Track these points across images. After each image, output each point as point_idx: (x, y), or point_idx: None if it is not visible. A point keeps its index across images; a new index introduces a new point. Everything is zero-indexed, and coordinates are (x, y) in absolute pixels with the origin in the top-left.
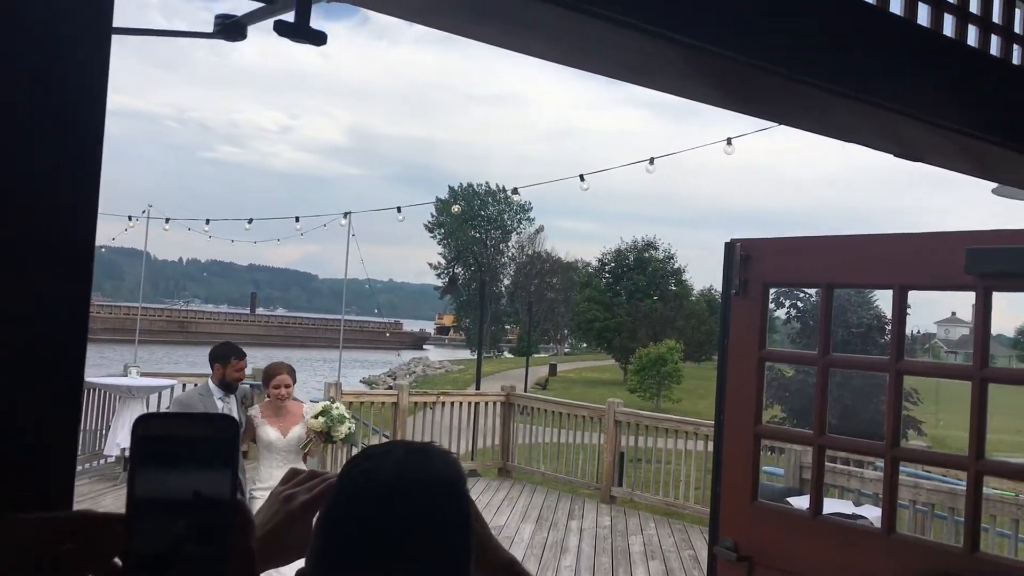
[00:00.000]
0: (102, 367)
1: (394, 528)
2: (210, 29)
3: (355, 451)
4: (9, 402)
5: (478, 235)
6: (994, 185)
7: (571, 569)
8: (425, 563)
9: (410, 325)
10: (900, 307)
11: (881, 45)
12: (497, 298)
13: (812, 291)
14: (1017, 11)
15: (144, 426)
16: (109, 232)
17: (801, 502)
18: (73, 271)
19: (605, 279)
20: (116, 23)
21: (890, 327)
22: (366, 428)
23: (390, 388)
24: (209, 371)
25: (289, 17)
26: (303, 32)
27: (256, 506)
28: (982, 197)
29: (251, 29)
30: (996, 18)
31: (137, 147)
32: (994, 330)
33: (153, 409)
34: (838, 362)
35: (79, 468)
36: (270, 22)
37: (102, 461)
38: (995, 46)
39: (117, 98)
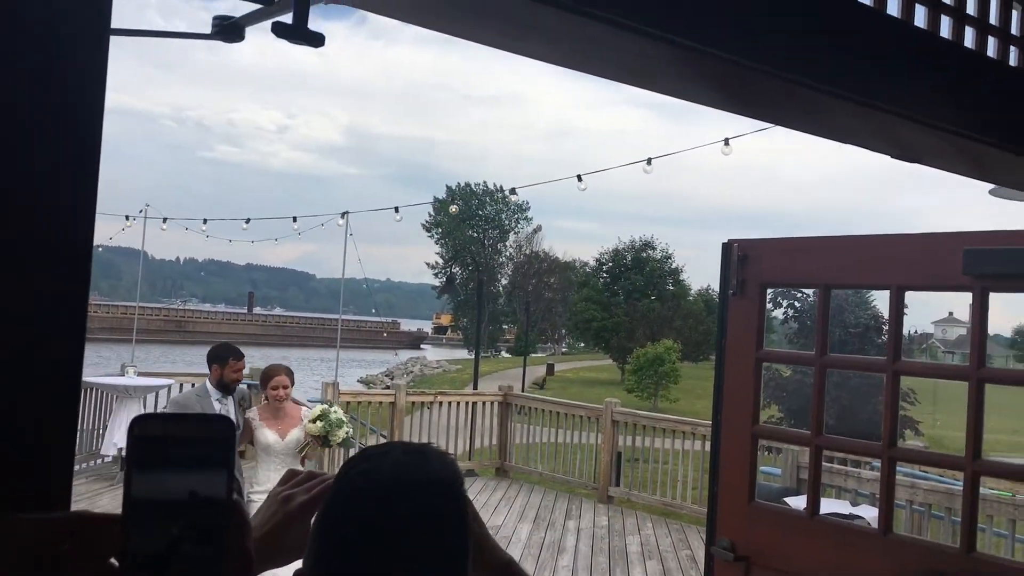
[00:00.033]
0: (99, 366)
1: (392, 528)
2: (208, 29)
3: (353, 452)
4: (9, 402)
5: (476, 235)
6: (991, 186)
7: (568, 569)
8: (423, 563)
9: (407, 325)
10: (897, 308)
11: (879, 47)
12: (495, 298)
13: (810, 291)
14: (1014, 13)
15: (141, 426)
16: (106, 231)
17: (798, 502)
18: (73, 271)
19: (603, 279)
20: (114, 23)
21: (887, 327)
22: (363, 428)
23: (387, 388)
24: (207, 371)
25: (287, 19)
26: (301, 34)
27: (254, 509)
28: (980, 198)
29: (249, 29)
30: (993, 20)
31: (135, 146)
32: (991, 330)
33: (150, 409)
34: (835, 363)
35: (76, 468)
36: (268, 23)
37: (99, 461)
38: (992, 48)
39: (115, 97)
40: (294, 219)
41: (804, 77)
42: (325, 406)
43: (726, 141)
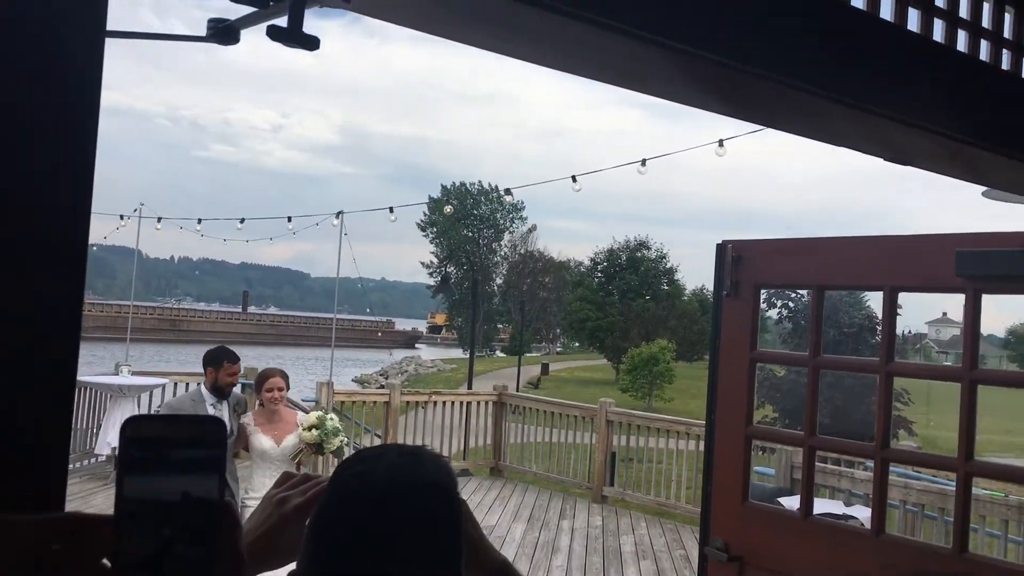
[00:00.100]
0: (93, 365)
1: (386, 530)
2: (202, 26)
3: (347, 453)
4: (9, 402)
5: (470, 234)
6: (984, 188)
7: (562, 569)
8: (417, 565)
9: (402, 324)
10: (890, 309)
11: (872, 50)
12: (489, 297)
13: (804, 291)
14: (1007, 16)
15: (133, 428)
16: (101, 231)
17: (792, 502)
18: (72, 271)
19: (597, 278)
20: (109, 21)
21: (881, 328)
22: (358, 427)
23: (382, 387)
24: (201, 371)
25: (282, 22)
26: (296, 37)
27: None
28: (973, 199)
29: (244, 30)
30: (986, 23)
31: (130, 145)
32: (985, 330)
33: (144, 408)
34: (829, 364)
35: (70, 467)
36: (263, 26)
37: (93, 460)
38: (985, 51)
39: (109, 96)
40: (289, 219)
41: (797, 80)
42: (322, 413)
43: (720, 143)
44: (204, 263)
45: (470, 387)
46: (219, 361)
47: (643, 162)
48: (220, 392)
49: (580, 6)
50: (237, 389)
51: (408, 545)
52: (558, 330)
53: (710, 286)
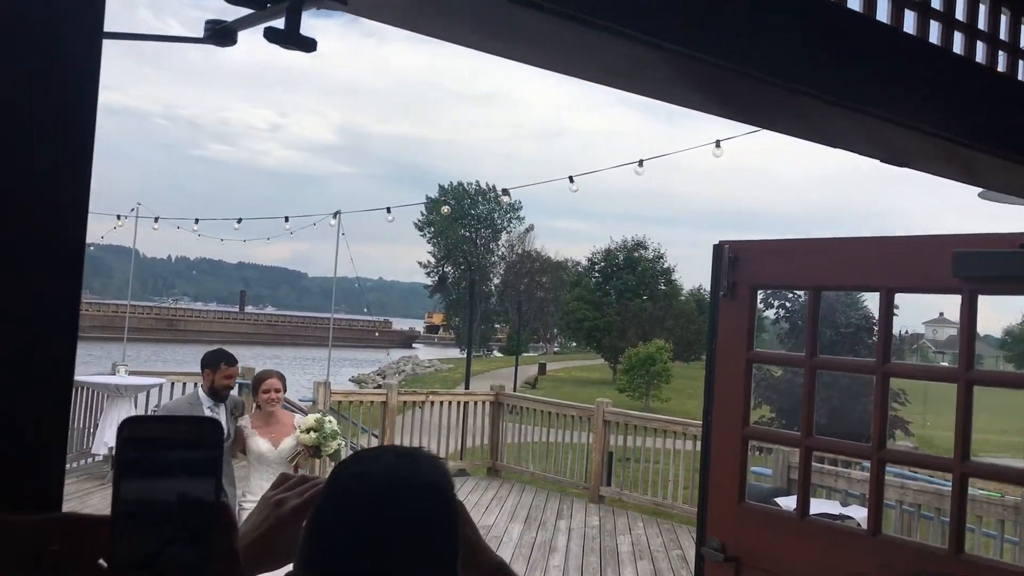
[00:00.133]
0: (90, 365)
1: (383, 532)
2: (199, 25)
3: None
4: (9, 402)
5: (468, 234)
6: (980, 189)
7: (559, 569)
8: (413, 566)
9: (400, 324)
10: (887, 310)
11: (868, 52)
12: (487, 297)
13: (801, 292)
14: (1003, 17)
15: (130, 429)
16: (98, 230)
17: (789, 502)
18: (71, 271)
19: (595, 278)
20: (106, 20)
21: (878, 328)
22: (355, 427)
23: (379, 387)
24: (198, 370)
25: (279, 23)
26: (293, 39)
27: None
28: (969, 200)
29: (241, 33)
30: (982, 25)
31: (127, 145)
32: (982, 331)
33: (141, 408)
34: (825, 364)
35: (67, 467)
36: (261, 28)
37: (90, 460)
38: (980, 53)
39: (106, 95)
40: (286, 220)
41: (793, 82)
42: (320, 416)
43: (717, 143)
44: (201, 263)
45: (467, 387)
46: (216, 363)
47: (640, 163)
48: (217, 395)
49: (575, 8)
50: (234, 392)
51: (405, 546)
52: (555, 330)
53: (707, 286)
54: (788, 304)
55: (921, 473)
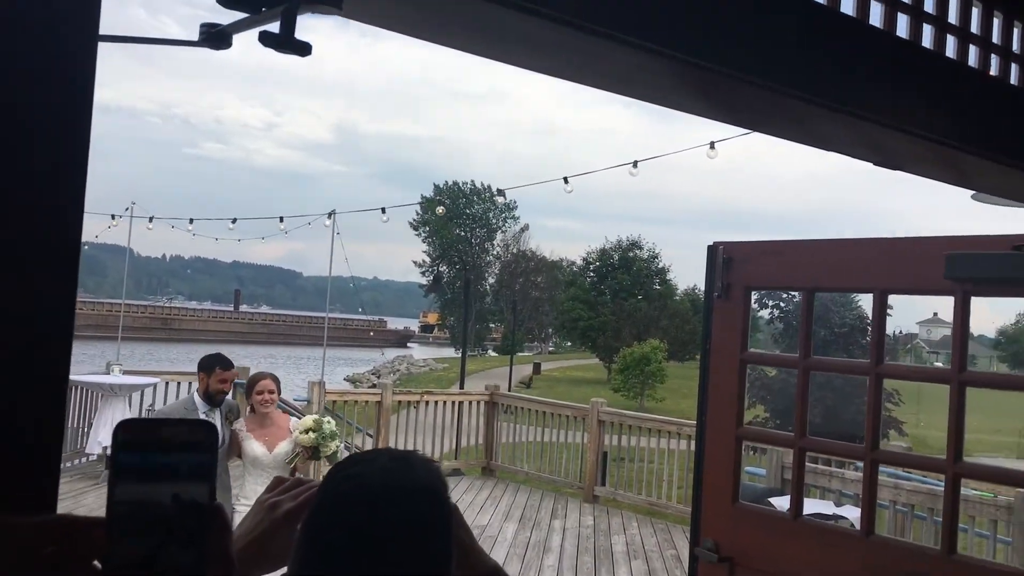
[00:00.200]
0: (84, 364)
1: (378, 534)
2: (193, 23)
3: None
4: (9, 402)
5: (463, 233)
6: (973, 191)
7: (554, 568)
8: (408, 569)
9: (394, 323)
10: (880, 311)
11: (861, 56)
12: (482, 296)
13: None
14: (995, 22)
15: (125, 431)
16: (92, 229)
17: (783, 502)
18: (70, 271)
19: (590, 278)
20: (101, 18)
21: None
22: (349, 427)
23: (374, 386)
24: (192, 369)
25: (274, 27)
26: (288, 43)
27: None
28: (962, 201)
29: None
30: (975, 29)
31: (121, 144)
32: (976, 331)
33: (135, 407)
34: (819, 365)
35: (61, 466)
36: (256, 31)
37: (84, 459)
38: (973, 57)
39: (100, 93)
40: (281, 220)
41: (787, 86)
42: (318, 417)
43: (711, 144)
44: (196, 261)
45: (462, 386)
46: (211, 367)
47: (634, 164)
48: (212, 399)
49: (570, 14)
50: (230, 396)
51: (399, 549)
52: (550, 330)
53: (702, 286)
54: (782, 304)
55: (914, 473)
